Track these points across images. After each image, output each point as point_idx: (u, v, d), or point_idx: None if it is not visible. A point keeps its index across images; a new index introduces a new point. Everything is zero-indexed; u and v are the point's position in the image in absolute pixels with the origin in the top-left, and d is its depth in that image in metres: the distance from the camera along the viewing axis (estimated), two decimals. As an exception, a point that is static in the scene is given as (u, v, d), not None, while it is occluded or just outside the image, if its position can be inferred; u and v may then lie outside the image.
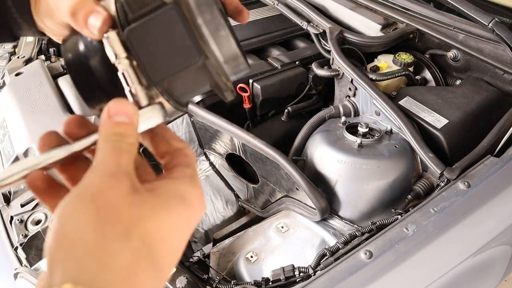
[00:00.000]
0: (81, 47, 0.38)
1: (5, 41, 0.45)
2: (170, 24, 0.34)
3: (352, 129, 1.12)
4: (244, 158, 1.20)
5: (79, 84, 0.38)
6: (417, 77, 1.34)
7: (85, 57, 0.37)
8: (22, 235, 1.03)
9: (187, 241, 0.36)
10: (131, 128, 0.35)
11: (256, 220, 1.24)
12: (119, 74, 0.35)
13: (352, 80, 1.19)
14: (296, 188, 1.05)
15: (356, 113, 1.23)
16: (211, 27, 0.35)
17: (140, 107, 0.36)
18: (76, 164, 0.39)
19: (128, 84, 0.35)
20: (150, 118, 0.37)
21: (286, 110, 1.37)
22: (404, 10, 1.37)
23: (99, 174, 0.32)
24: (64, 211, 0.30)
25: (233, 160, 1.32)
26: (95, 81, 0.37)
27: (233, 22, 0.43)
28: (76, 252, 0.28)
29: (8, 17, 0.43)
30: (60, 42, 0.43)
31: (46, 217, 1.06)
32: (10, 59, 1.63)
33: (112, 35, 0.35)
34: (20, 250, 1.00)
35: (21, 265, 0.97)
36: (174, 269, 0.87)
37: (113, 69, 0.35)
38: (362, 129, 1.09)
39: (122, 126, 0.34)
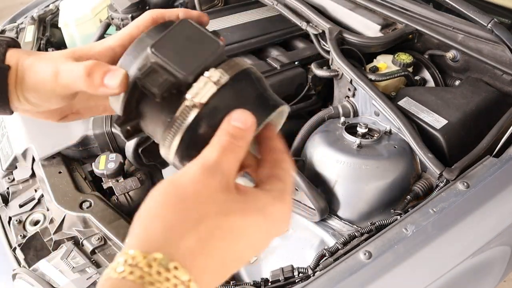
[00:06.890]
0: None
1: None
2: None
3: (351, 129, 1.11)
4: (243, 158, 1.19)
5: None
6: (416, 77, 1.33)
7: None
8: (21, 235, 1.02)
9: (260, 251, 0.38)
10: (244, 133, 0.38)
11: (255, 220, 1.24)
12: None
13: (351, 80, 1.19)
14: (295, 188, 1.05)
15: (355, 114, 1.23)
16: None
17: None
18: None
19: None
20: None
21: (285, 111, 1.37)
22: (403, 11, 1.37)
23: (198, 165, 0.36)
24: (156, 191, 0.35)
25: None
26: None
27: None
28: (151, 226, 0.33)
29: None
30: (34, 117, 0.46)
31: (45, 218, 1.06)
32: (8, 59, 1.62)
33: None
34: (18, 251, 0.99)
35: (20, 265, 0.97)
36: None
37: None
38: (361, 130, 1.09)
39: (237, 129, 0.37)
